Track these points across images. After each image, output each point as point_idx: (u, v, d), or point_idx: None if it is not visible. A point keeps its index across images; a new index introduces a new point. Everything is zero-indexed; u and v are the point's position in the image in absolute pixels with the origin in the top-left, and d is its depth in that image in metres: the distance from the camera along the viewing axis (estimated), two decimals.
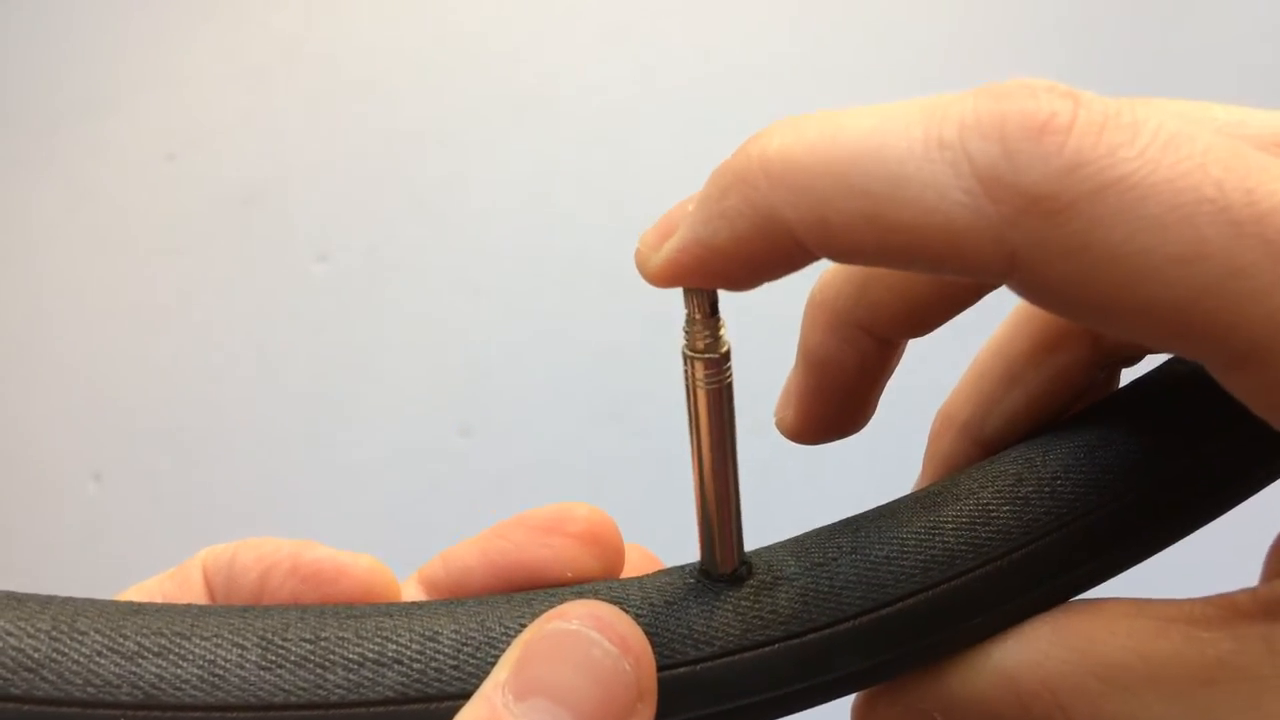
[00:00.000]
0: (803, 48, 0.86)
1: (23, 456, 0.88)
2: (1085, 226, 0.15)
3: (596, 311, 0.84)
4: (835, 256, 0.17)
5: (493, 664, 0.19)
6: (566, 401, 0.84)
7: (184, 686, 0.18)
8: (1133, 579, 0.20)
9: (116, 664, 0.18)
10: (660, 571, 0.22)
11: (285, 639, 0.19)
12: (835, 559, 0.20)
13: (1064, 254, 0.15)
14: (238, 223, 0.88)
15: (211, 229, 0.89)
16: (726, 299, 0.19)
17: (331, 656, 0.19)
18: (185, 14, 0.91)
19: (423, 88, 0.89)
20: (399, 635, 0.19)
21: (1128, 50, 0.83)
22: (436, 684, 0.19)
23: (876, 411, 0.25)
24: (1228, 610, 0.17)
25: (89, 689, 0.17)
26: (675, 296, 0.19)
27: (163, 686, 0.18)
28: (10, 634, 0.17)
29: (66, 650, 0.18)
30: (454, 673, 0.19)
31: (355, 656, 0.19)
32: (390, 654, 0.19)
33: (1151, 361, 0.23)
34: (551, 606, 0.20)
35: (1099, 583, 0.21)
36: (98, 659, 0.18)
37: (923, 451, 0.26)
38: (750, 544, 0.21)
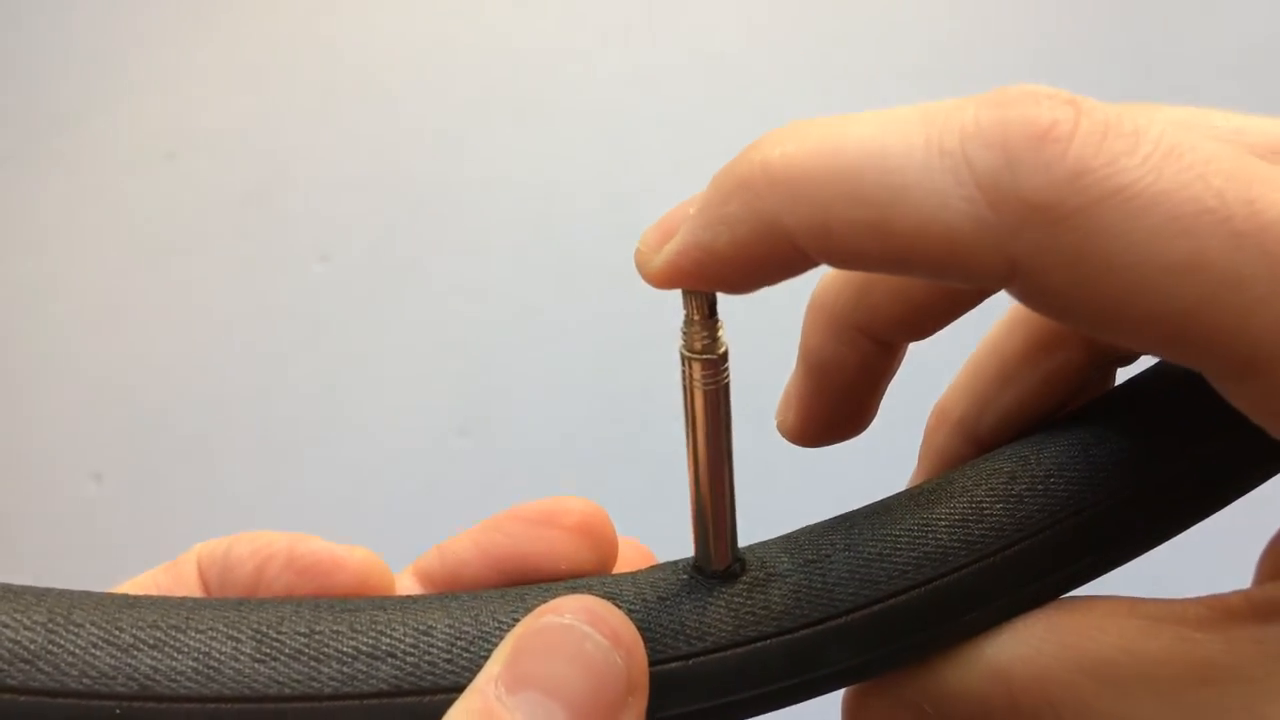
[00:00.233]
0: (803, 48, 0.86)
1: (23, 456, 0.88)
2: (1085, 236, 0.15)
3: (596, 311, 0.84)
4: (836, 263, 0.17)
5: (485, 658, 0.19)
6: (566, 401, 0.84)
7: (179, 678, 0.18)
8: (1127, 580, 0.20)
9: (112, 656, 0.18)
10: (654, 567, 0.22)
11: (280, 632, 0.19)
12: (828, 555, 0.20)
13: (1064, 263, 0.15)
14: (238, 223, 0.89)
15: (211, 229, 0.89)
16: (728, 297, 0.19)
17: (326, 649, 0.19)
18: (185, 14, 0.91)
19: (423, 88, 0.89)
20: (393, 629, 0.19)
21: (1121, 56, 0.83)
22: (430, 677, 0.19)
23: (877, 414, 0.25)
24: (1220, 611, 0.18)
25: (85, 680, 0.18)
26: (675, 298, 0.19)
27: (158, 678, 0.18)
28: (7, 626, 0.18)
29: (62, 642, 0.18)
30: (447, 666, 0.19)
31: (349, 649, 0.19)
32: (384, 647, 0.19)
33: (1147, 360, 0.23)
34: (544, 601, 0.20)
35: (1091, 579, 0.21)
36: (93, 651, 0.18)
37: (918, 451, 0.27)
38: (744, 541, 0.21)
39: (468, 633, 0.20)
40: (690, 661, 0.20)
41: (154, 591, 0.23)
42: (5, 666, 0.17)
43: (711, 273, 0.18)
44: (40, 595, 0.19)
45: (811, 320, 0.24)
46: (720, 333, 0.19)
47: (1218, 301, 0.15)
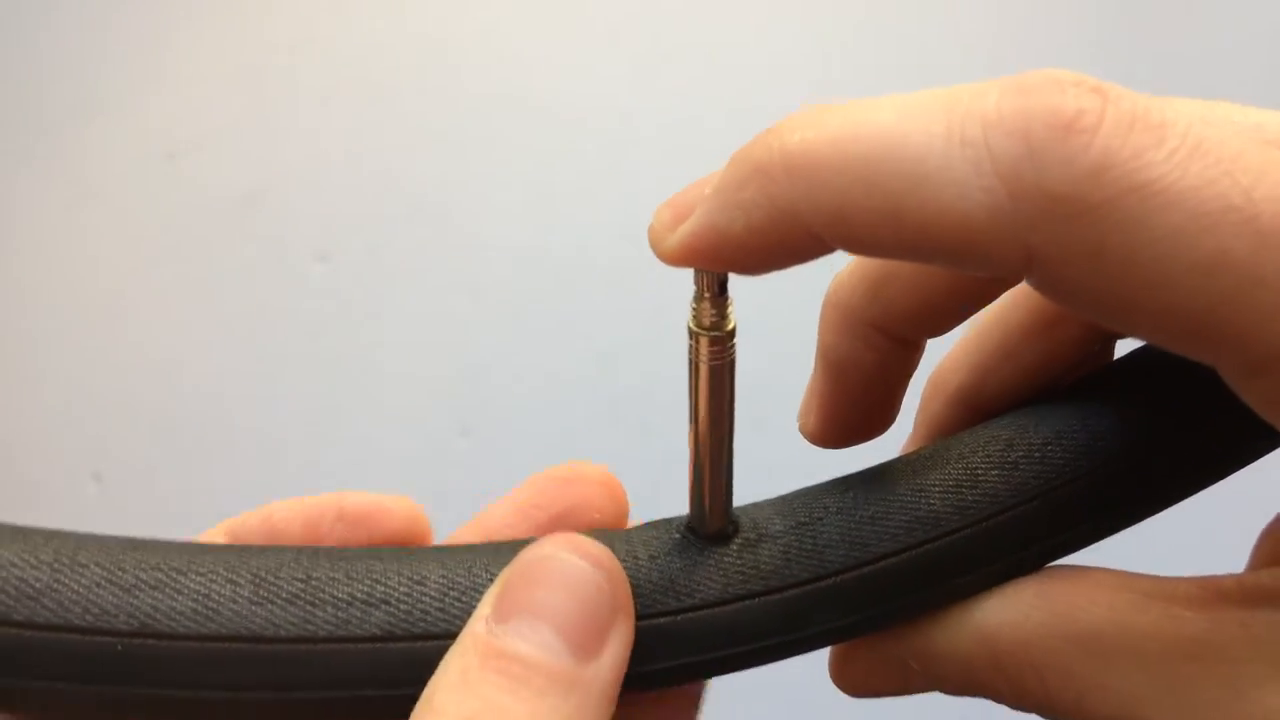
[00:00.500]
0: (804, 48, 0.87)
1: (23, 456, 0.88)
2: (1107, 230, 0.15)
3: (596, 311, 0.84)
4: (853, 249, 0.18)
5: (476, 606, 0.19)
6: (566, 401, 0.84)
7: (178, 618, 0.19)
8: (1117, 557, 0.20)
9: (114, 595, 0.18)
10: (647, 524, 0.22)
11: (278, 577, 0.20)
12: (821, 518, 0.21)
13: (1083, 256, 0.15)
14: (238, 223, 0.89)
15: (212, 229, 0.89)
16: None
17: (321, 595, 0.19)
18: (185, 14, 0.91)
19: (423, 88, 0.89)
20: (388, 578, 0.20)
21: (1121, 56, 0.83)
22: (422, 624, 0.19)
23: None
24: (1211, 592, 0.18)
25: (87, 617, 0.18)
26: (674, 298, 0.19)
27: (158, 617, 0.18)
28: (14, 564, 0.18)
29: (67, 580, 0.18)
30: (439, 614, 0.20)
31: (344, 596, 0.19)
32: (379, 595, 0.20)
33: None
34: None
35: (1084, 546, 0.21)
36: (96, 589, 0.18)
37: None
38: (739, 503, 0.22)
39: (460, 583, 0.20)
40: (679, 617, 0.20)
41: None
42: (11, 603, 0.18)
43: (726, 255, 0.18)
44: (49, 536, 0.19)
45: (827, 318, 0.24)
46: (729, 310, 0.19)
47: (1238, 301, 0.15)
